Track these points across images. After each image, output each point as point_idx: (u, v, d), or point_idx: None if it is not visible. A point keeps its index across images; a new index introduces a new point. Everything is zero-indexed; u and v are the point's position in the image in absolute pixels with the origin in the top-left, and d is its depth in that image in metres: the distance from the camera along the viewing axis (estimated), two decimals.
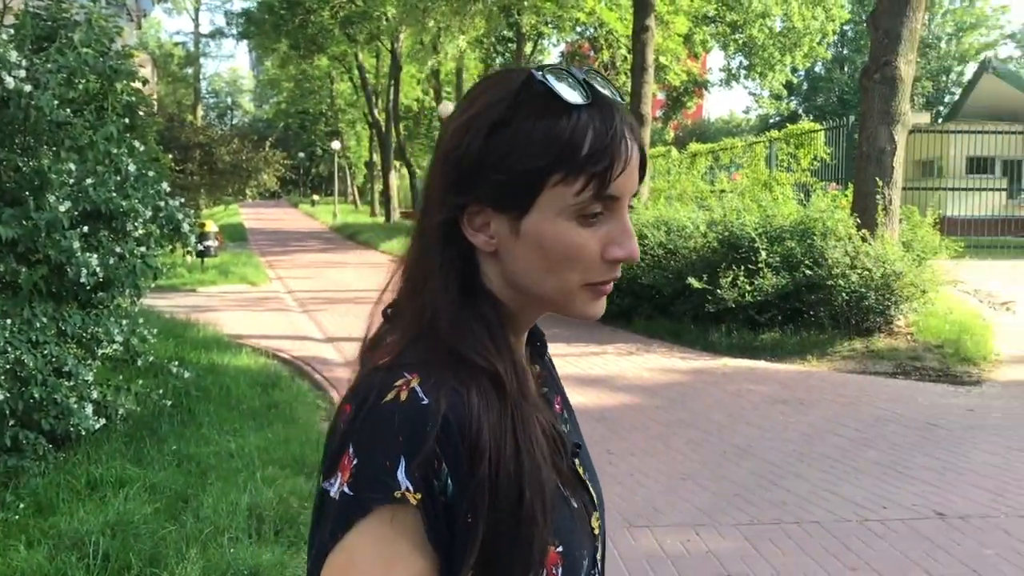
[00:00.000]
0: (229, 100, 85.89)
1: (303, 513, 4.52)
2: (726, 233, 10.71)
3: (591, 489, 1.02)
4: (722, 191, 15.36)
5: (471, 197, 0.93)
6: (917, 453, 6.09)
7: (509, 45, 27.23)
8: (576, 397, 7.10)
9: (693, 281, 10.22)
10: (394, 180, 40.52)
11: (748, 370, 8.95)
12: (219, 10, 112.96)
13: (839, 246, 9.66)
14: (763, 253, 9.98)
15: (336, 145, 50.62)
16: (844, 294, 9.50)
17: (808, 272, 9.67)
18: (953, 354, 9.00)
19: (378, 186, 45.47)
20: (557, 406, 1.07)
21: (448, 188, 0.93)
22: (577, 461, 1.01)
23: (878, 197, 9.97)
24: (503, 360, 0.92)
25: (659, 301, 11.23)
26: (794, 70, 33.76)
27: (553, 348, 1.13)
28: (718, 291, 9.98)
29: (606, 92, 0.93)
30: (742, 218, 10.83)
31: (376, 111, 39.15)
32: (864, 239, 9.71)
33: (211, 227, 19.27)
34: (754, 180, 15.89)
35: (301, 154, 65.69)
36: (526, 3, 21.68)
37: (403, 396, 0.86)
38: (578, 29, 26.25)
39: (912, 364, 8.92)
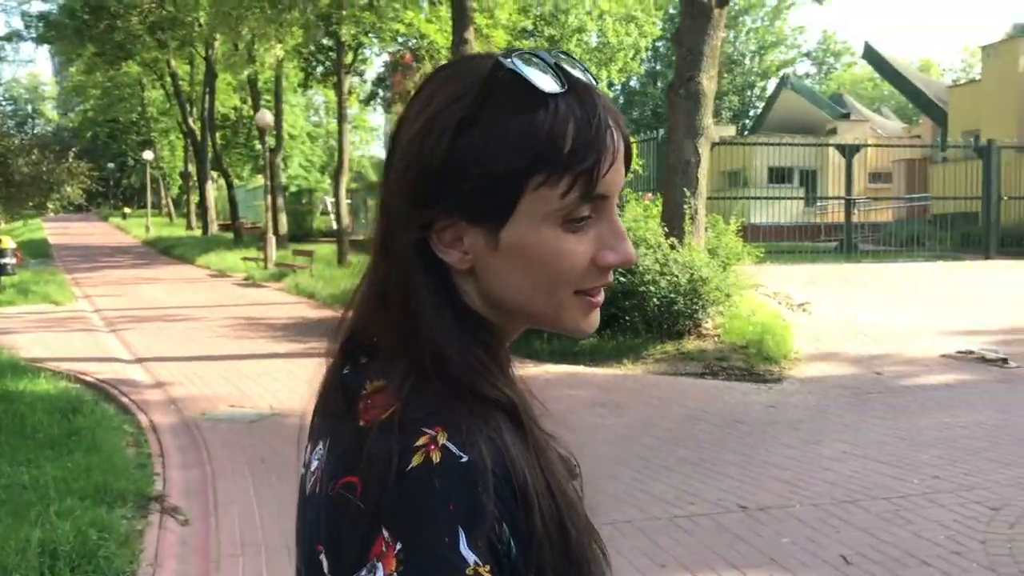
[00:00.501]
0: (29, 108, 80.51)
1: (103, 546, 4.27)
2: None
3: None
4: None
5: (439, 210, 0.80)
6: (723, 449, 6.41)
7: (329, 54, 26.82)
8: None
9: None
10: (211, 191, 39.13)
11: (569, 375, 9.16)
12: (15, 11, 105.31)
13: (649, 254, 10.05)
14: None
15: (148, 155, 48.36)
16: (655, 299, 9.89)
17: (622, 279, 10.00)
18: (756, 354, 9.53)
19: (194, 198, 43.79)
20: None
21: (412, 202, 0.81)
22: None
23: (685, 207, 10.44)
24: (514, 390, 0.83)
25: None
26: (610, 84, 34.90)
27: None
28: None
29: (581, 76, 0.82)
30: None
31: (191, 120, 37.66)
32: (673, 247, 10.14)
33: (8, 243, 18.04)
34: None
35: (111, 165, 62.29)
36: (344, 13, 21.45)
37: (435, 457, 0.73)
38: (399, 40, 26.19)
39: (719, 364, 9.38)
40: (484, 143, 0.78)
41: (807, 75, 58.72)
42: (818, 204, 22.72)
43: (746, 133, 37.09)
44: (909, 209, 21.67)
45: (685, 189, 10.53)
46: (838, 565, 4.30)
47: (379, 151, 46.34)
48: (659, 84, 54.44)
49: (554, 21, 26.46)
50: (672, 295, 9.95)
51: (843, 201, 18.63)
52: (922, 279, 14.23)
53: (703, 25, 10.41)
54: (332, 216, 33.43)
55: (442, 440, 0.74)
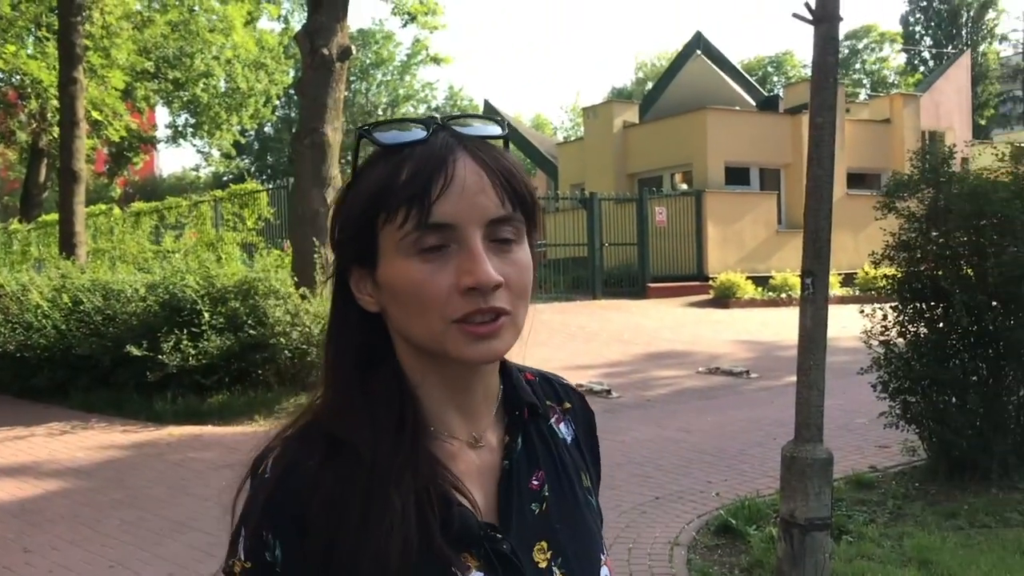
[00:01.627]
0: None
1: None
2: (167, 296, 10.34)
3: (523, 571, 0.94)
4: (167, 252, 14.90)
5: (348, 262, 0.95)
6: None
7: None
8: None
9: (132, 348, 9.68)
10: None
11: (194, 437, 8.69)
12: None
13: (280, 305, 9.88)
14: (206, 315, 9.82)
15: None
16: (287, 351, 9.72)
17: (252, 332, 9.72)
18: None
19: None
20: (536, 481, 1.01)
21: (335, 254, 0.96)
22: (505, 544, 0.94)
23: (315, 256, 10.41)
24: (373, 431, 0.90)
25: (98, 372, 10.44)
26: (243, 131, 34.14)
27: None
28: (160, 356, 9.57)
29: (459, 130, 0.93)
30: (185, 280, 10.56)
31: None
32: (304, 297, 10.06)
33: None
34: (201, 240, 15.67)
35: None
36: None
37: (267, 470, 0.92)
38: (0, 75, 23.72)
39: None
40: (352, 198, 0.93)
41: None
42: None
43: None
44: None
45: (315, 239, 10.51)
46: None
47: None
48: (294, 130, 54.13)
49: (178, 64, 25.41)
50: (304, 346, 9.83)
51: None
52: (541, 319, 15.37)
53: (326, 77, 10.53)
54: None
55: (271, 458, 0.93)
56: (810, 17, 4.40)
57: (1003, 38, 54.77)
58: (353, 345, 0.96)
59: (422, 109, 59.08)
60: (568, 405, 1.12)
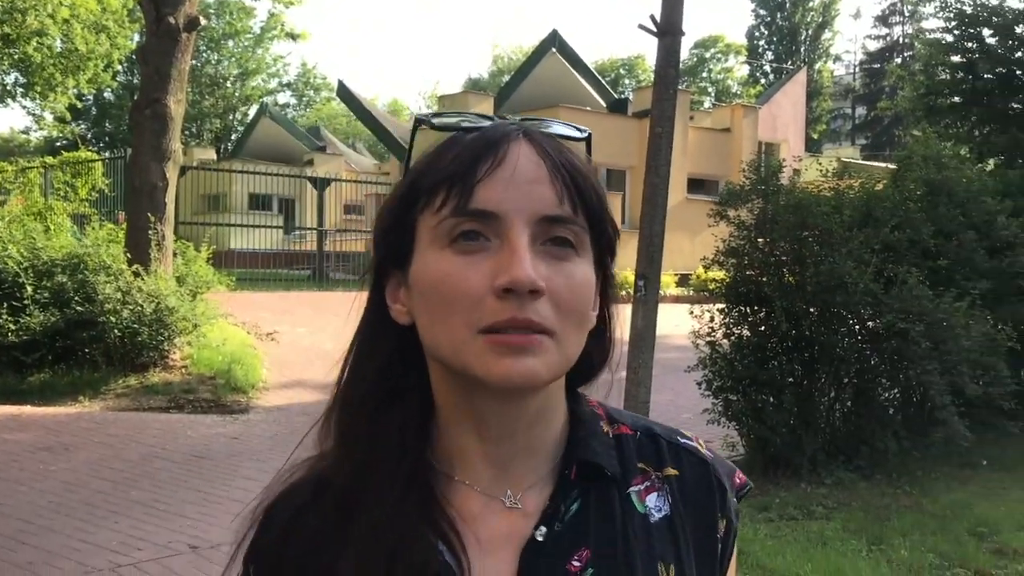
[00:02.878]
0: None
1: None
2: None
3: None
4: None
5: (384, 261, 0.83)
6: (181, 488, 6.22)
7: None
8: None
9: None
10: None
11: (11, 417, 8.21)
12: None
13: (111, 282, 9.45)
14: (30, 288, 9.28)
15: None
16: (117, 330, 9.31)
17: (80, 308, 9.25)
18: (225, 384, 9.44)
19: None
20: (577, 561, 0.80)
21: (373, 253, 0.85)
22: None
23: (151, 232, 10.01)
24: (363, 475, 0.80)
25: None
26: (80, 95, 32.30)
27: None
28: None
29: (527, 123, 0.81)
30: (7, 250, 9.94)
31: None
32: (137, 274, 9.66)
33: None
34: (27, 209, 14.75)
35: None
36: None
37: (264, 499, 0.87)
38: None
39: (186, 397, 9.12)
40: (395, 188, 0.82)
41: (288, 105, 60.10)
42: (296, 232, 23.29)
43: (227, 158, 36.79)
44: None
45: (151, 214, 10.10)
46: None
47: None
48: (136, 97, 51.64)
49: (9, 19, 23.77)
50: (136, 325, 9.43)
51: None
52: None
53: (170, 47, 10.12)
54: None
55: (273, 488, 0.87)
56: (654, 29, 4.59)
57: (836, 58, 58.35)
58: (375, 367, 0.83)
59: (273, 84, 57.53)
60: (672, 472, 0.87)
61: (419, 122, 0.84)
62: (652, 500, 0.85)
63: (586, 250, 0.79)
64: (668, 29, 4.60)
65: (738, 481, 0.92)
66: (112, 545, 4.99)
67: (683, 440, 0.91)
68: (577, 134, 0.83)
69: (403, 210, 0.80)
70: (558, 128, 0.82)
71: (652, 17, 4.66)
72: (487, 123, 0.81)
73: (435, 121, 0.82)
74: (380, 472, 0.79)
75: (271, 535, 0.83)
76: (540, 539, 0.79)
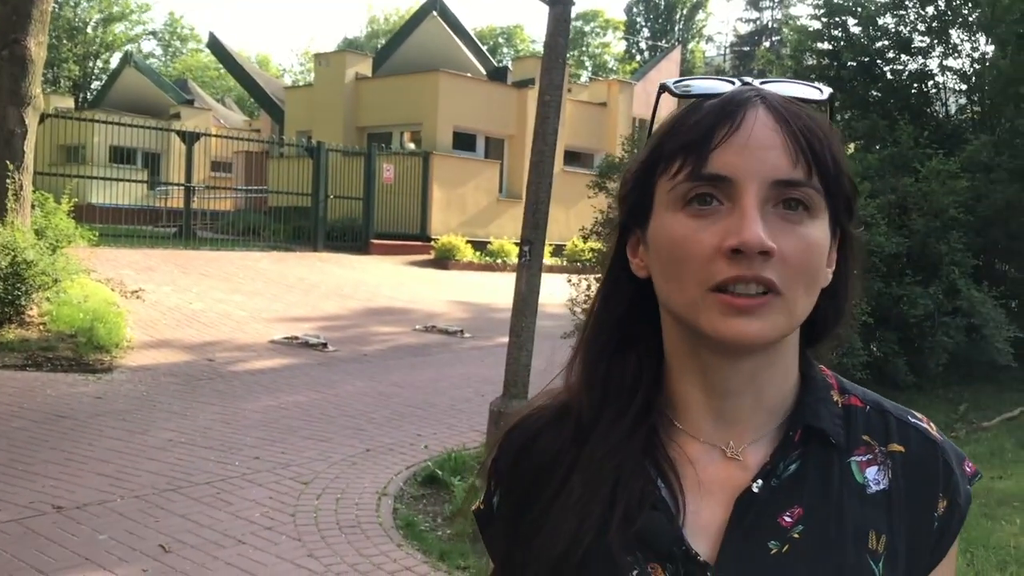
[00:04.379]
0: None
1: None
2: None
3: None
4: None
5: (627, 219, 0.89)
6: (42, 447, 5.98)
7: None
8: None
9: None
10: None
11: None
12: None
13: None
14: None
15: None
16: None
17: None
18: (87, 343, 9.06)
19: None
20: (788, 517, 0.82)
21: (618, 211, 0.92)
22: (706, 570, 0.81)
23: (8, 182, 9.48)
24: (597, 409, 0.88)
25: None
26: None
27: None
28: None
29: (768, 88, 0.83)
30: None
31: None
32: None
33: None
34: None
35: None
36: None
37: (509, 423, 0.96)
38: None
39: (44, 355, 8.72)
40: (639, 153, 0.87)
41: (153, 55, 57.51)
42: (160, 188, 22.40)
43: (86, 107, 34.95)
44: (248, 200, 22.53)
45: (9, 162, 9.56)
46: (157, 555, 4.32)
47: None
48: None
49: None
50: None
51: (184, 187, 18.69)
52: (257, 268, 14.97)
53: None
54: None
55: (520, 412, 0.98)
56: None
57: (709, 39, 59.96)
58: (615, 316, 0.90)
59: (137, 30, 54.87)
60: (898, 448, 0.87)
61: (663, 88, 0.87)
62: (872, 472, 0.86)
63: (821, 211, 0.81)
64: None
65: (968, 469, 0.91)
66: None
67: (913, 419, 0.91)
68: (819, 96, 0.85)
69: (644, 174, 0.85)
70: (798, 90, 0.85)
71: None
72: (727, 88, 0.83)
73: (676, 88, 0.86)
74: (612, 409, 0.88)
75: (510, 454, 0.93)
76: (756, 491, 0.83)
